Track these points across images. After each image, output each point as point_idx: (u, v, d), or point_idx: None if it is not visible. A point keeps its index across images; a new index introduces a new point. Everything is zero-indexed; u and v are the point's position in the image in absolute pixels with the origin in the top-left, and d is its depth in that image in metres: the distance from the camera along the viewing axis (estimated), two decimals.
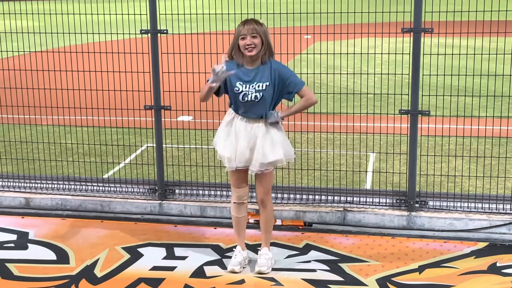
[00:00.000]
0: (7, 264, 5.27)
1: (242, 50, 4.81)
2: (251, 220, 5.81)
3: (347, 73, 6.71)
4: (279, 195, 6.19)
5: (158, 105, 6.21)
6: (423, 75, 5.78)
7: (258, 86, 4.84)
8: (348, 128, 6.76)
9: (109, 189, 6.48)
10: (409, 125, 5.83)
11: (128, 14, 6.34)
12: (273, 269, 5.13)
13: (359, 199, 6.08)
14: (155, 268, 5.18)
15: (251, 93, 4.84)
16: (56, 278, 5.05)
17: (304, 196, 6.16)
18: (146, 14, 6.07)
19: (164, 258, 5.36)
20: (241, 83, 4.85)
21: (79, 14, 6.46)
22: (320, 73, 6.51)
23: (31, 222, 6.12)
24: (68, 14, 6.54)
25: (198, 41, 6.23)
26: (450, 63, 5.94)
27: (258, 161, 4.91)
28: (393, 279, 4.97)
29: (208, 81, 4.83)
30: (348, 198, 6.09)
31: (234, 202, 5.14)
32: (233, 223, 5.22)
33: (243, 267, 5.12)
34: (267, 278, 5.00)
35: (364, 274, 5.04)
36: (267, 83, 4.84)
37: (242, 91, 4.86)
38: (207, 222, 6.08)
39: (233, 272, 5.06)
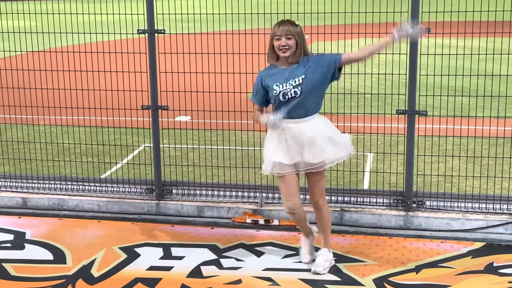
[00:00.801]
0: (3, 264, 5.27)
1: (277, 51, 4.83)
2: (248, 220, 5.81)
3: (344, 73, 6.70)
4: (276, 195, 6.18)
5: (156, 105, 6.20)
6: (420, 75, 5.78)
7: (295, 82, 4.81)
8: (346, 128, 6.75)
9: (106, 189, 6.48)
10: (406, 125, 5.83)
11: (125, 14, 6.34)
12: (270, 269, 5.13)
13: (356, 199, 6.08)
14: (152, 268, 5.18)
15: (290, 90, 4.81)
16: (53, 278, 5.04)
17: (302, 196, 6.15)
18: (143, 14, 6.07)
19: (161, 258, 5.36)
20: (278, 84, 4.84)
21: (76, 14, 6.46)
22: None
23: (28, 222, 6.11)
24: (65, 14, 6.53)
25: (195, 41, 6.22)
26: (447, 63, 5.94)
27: (310, 160, 4.82)
28: (390, 279, 4.97)
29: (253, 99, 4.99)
30: (346, 198, 6.09)
31: (288, 212, 5.09)
32: (293, 220, 5.25)
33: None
34: (264, 278, 5.00)
35: (361, 274, 5.04)
36: (303, 76, 4.81)
37: (280, 91, 4.83)
38: (204, 222, 6.07)
39: (317, 273, 5.03)
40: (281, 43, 4.79)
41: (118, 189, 6.45)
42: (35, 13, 6.62)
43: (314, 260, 5.13)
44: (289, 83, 4.82)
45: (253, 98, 5.01)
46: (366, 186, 6.75)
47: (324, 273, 5.03)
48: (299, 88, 4.80)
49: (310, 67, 4.83)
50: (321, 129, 4.88)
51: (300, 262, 5.24)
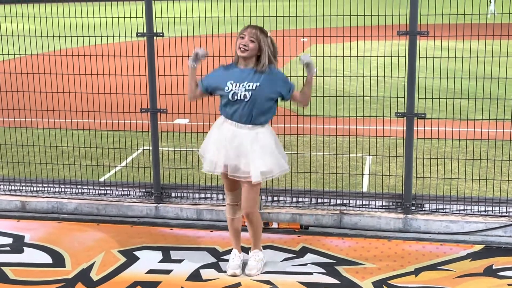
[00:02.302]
0: (2, 268, 5.26)
1: (236, 48, 4.89)
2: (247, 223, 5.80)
3: (343, 76, 6.71)
4: (276, 198, 6.18)
5: (154, 108, 6.20)
6: (419, 77, 5.79)
7: (248, 86, 4.85)
8: (345, 131, 6.76)
9: (105, 192, 6.47)
10: (405, 128, 5.83)
11: (124, 17, 6.34)
12: (269, 272, 5.13)
13: (356, 202, 6.08)
14: (151, 272, 5.17)
15: (241, 92, 4.85)
16: (52, 282, 5.04)
17: (301, 199, 6.16)
18: (142, 17, 6.07)
19: (160, 261, 5.36)
20: (232, 82, 4.89)
21: (75, 17, 6.46)
22: (316, 76, 6.50)
23: (27, 225, 6.10)
24: (64, 17, 6.53)
25: (194, 44, 6.21)
26: (446, 66, 5.95)
27: (244, 169, 4.86)
28: (389, 281, 4.97)
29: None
30: (345, 201, 6.09)
31: (228, 204, 5.14)
32: (228, 226, 5.21)
33: (241, 270, 5.12)
34: (263, 281, 4.99)
35: (361, 277, 5.04)
36: (258, 84, 4.85)
37: (231, 89, 4.88)
38: (203, 225, 6.07)
39: (234, 275, 5.05)
40: (242, 42, 4.84)
41: (117, 192, 6.45)
42: (34, 16, 6.62)
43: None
44: (242, 85, 4.86)
45: (202, 80, 5.01)
46: (365, 189, 6.75)
47: (258, 274, 5.06)
48: (250, 93, 4.85)
49: (266, 79, 4.87)
50: (262, 141, 4.89)
51: (297, 264, 5.24)
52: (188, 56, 5.00)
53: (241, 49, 4.85)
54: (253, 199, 4.98)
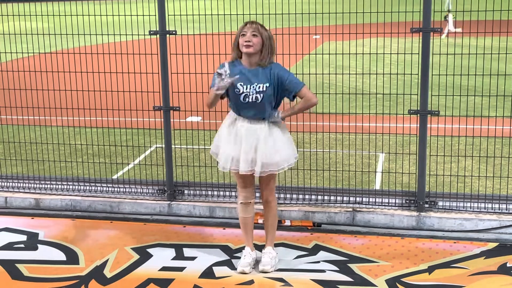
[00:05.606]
0: (17, 265, 5.29)
1: (241, 47, 4.85)
2: (260, 221, 5.80)
3: (355, 73, 6.70)
4: (288, 196, 6.18)
5: (167, 106, 6.22)
6: (432, 75, 5.76)
7: (259, 88, 4.86)
8: (357, 128, 6.75)
9: (118, 190, 6.50)
10: (418, 125, 5.81)
11: (137, 15, 6.35)
12: (282, 270, 5.13)
13: (368, 199, 6.07)
14: (164, 269, 5.19)
15: (252, 94, 4.86)
16: (66, 279, 5.06)
17: (313, 197, 6.16)
18: (155, 15, 6.08)
19: (173, 258, 5.37)
20: (242, 83, 4.88)
21: (88, 15, 6.48)
22: (329, 73, 6.50)
23: (41, 223, 6.14)
24: (77, 15, 6.56)
25: (206, 42, 6.23)
26: (460, 63, 5.92)
27: (261, 162, 4.90)
28: (403, 279, 4.96)
29: (212, 87, 4.86)
30: (357, 199, 6.08)
31: (241, 203, 5.16)
32: (240, 224, 5.23)
33: (253, 268, 5.12)
34: (276, 279, 5.00)
35: (374, 275, 5.03)
36: (267, 84, 4.86)
37: (243, 92, 4.88)
38: (216, 222, 6.08)
39: (243, 273, 5.06)
40: (245, 39, 4.81)
41: (130, 190, 6.47)
42: (47, 15, 6.65)
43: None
44: (252, 87, 4.86)
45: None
46: (378, 186, 6.73)
47: (272, 271, 5.07)
48: (261, 95, 4.86)
49: (274, 78, 4.87)
50: (276, 132, 4.96)
51: (310, 262, 5.23)
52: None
53: (246, 45, 4.81)
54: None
